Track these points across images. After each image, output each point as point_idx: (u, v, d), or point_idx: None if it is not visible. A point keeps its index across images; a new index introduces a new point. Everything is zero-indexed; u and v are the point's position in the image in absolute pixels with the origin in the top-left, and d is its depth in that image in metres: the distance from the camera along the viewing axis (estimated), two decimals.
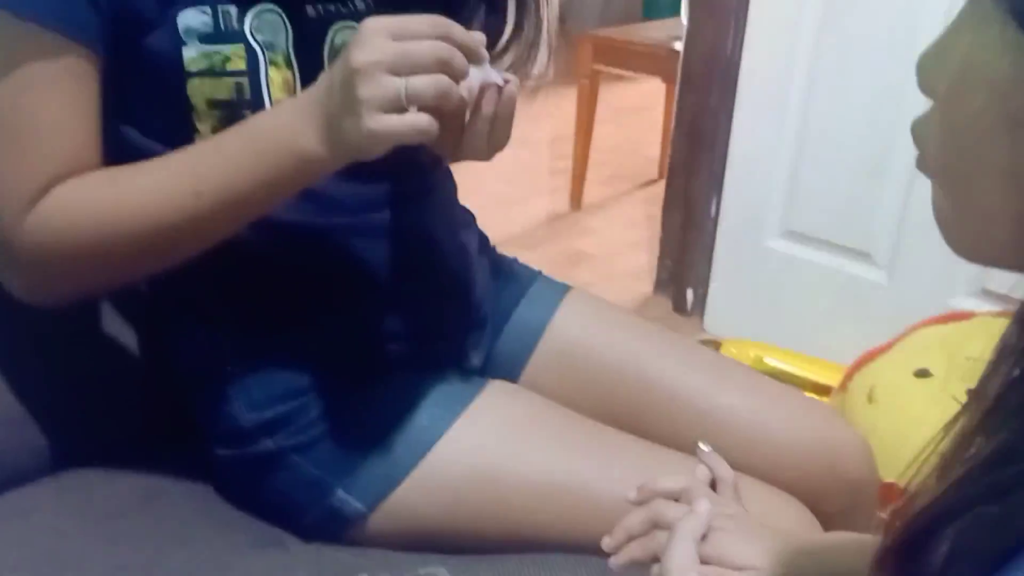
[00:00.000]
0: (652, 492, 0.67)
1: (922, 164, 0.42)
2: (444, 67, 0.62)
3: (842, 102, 1.73)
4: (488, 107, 0.65)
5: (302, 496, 0.79)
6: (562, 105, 3.10)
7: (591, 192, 2.75)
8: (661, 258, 2.16)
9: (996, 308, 1.57)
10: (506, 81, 0.66)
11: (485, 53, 0.65)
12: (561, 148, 2.93)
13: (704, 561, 0.58)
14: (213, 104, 0.72)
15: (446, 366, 0.85)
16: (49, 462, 0.80)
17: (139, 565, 0.72)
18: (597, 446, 0.81)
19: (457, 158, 0.69)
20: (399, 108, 0.61)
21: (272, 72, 0.73)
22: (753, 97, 1.85)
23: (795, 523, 0.81)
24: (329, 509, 0.79)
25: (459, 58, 0.63)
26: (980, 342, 1.40)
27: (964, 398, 1.23)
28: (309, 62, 0.74)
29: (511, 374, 0.93)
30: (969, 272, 1.64)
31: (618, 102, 3.43)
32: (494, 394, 0.84)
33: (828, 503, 0.86)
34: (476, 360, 0.90)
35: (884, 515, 1.22)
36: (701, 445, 0.71)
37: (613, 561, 0.64)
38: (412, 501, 0.78)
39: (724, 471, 0.68)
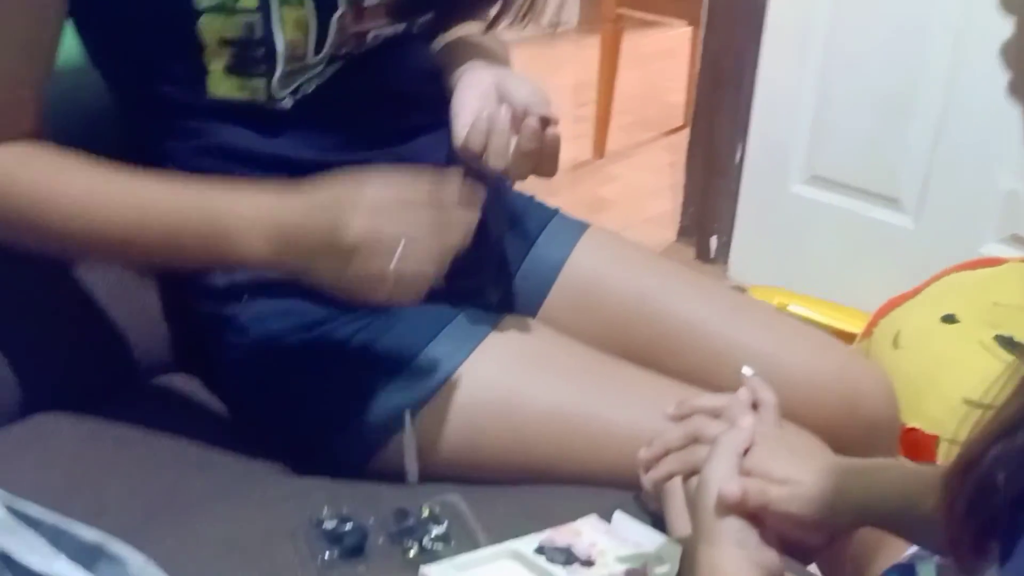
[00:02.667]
0: (692, 408, 0.66)
1: (1013, 88, 0.40)
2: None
3: (868, 42, 1.68)
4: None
5: (317, 426, 0.80)
6: (585, 51, 3.04)
7: (614, 139, 2.71)
8: (684, 205, 2.13)
9: None
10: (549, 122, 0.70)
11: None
12: (584, 95, 2.88)
13: (744, 474, 0.58)
14: (224, 42, 0.71)
15: (462, 302, 0.85)
16: (67, 391, 0.81)
17: (157, 490, 0.73)
18: (614, 380, 0.81)
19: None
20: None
21: (285, 11, 0.71)
22: (779, 38, 1.80)
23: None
24: (347, 438, 0.79)
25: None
26: (1009, 288, 1.38)
27: (991, 344, 1.21)
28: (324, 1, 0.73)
29: (529, 311, 0.92)
30: (998, 217, 1.61)
31: (642, 48, 3.36)
32: (510, 328, 0.83)
33: (847, 442, 0.84)
34: (493, 296, 0.90)
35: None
36: (745, 369, 0.69)
37: (649, 476, 0.64)
38: (426, 432, 0.78)
39: (767, 395, 0.66)
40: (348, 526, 0.67)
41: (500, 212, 0.91)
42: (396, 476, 0.78)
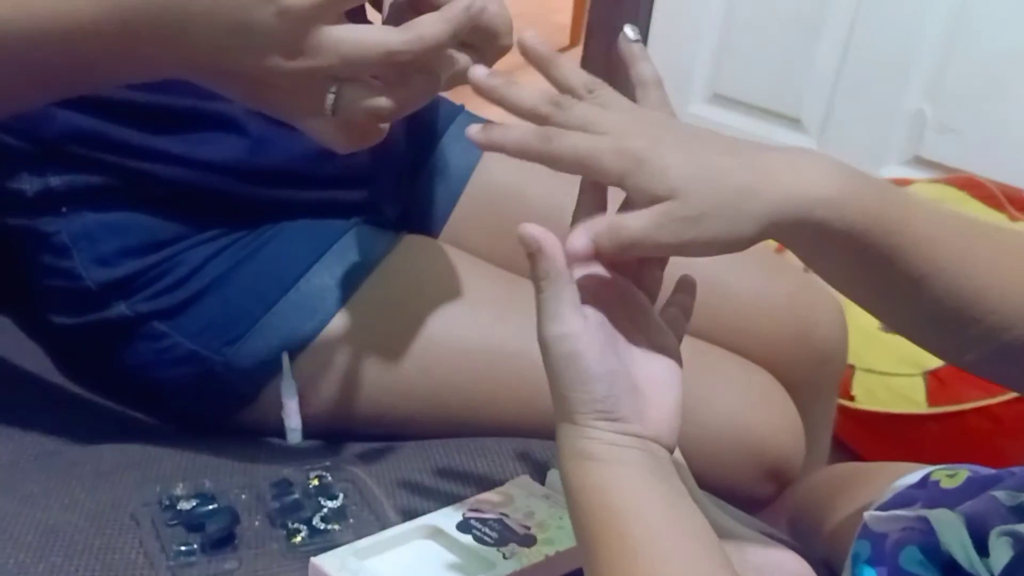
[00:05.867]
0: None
1: None
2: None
3: None
4: None
5: (170, 373, 0.63)
6: None
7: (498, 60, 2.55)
8: None
9: (929, 175, 1.51)
10: None
11: None
12: None
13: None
14: None
15: (351, 217, 0.68)
16: None
17: None
18: (531, 307, 0.67)
19: None
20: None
21: None
22: None
23: (764, 394, 0.70)
24: (206, 389, 0.63)
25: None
26: None
27: None
28: None
29: (431, 228, 0.78)
30: (903, 139, 1.58)
31: None
32: (409, 251, 0.69)
33: (797, 373, 0.75)
34: (389, 211, 0.74)
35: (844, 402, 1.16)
36: (627, 29, 0.52)
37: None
38: (313, 378, 0.63)
39: (647, 68, 0.50)
40: (211, 506, 0.51)
41: None
42: (271, 436, 0.63)
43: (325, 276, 0.65)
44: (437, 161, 0.78)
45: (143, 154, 0.61)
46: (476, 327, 0.65)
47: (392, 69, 0.47)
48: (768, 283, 0.76)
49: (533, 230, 0.41)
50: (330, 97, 0.46)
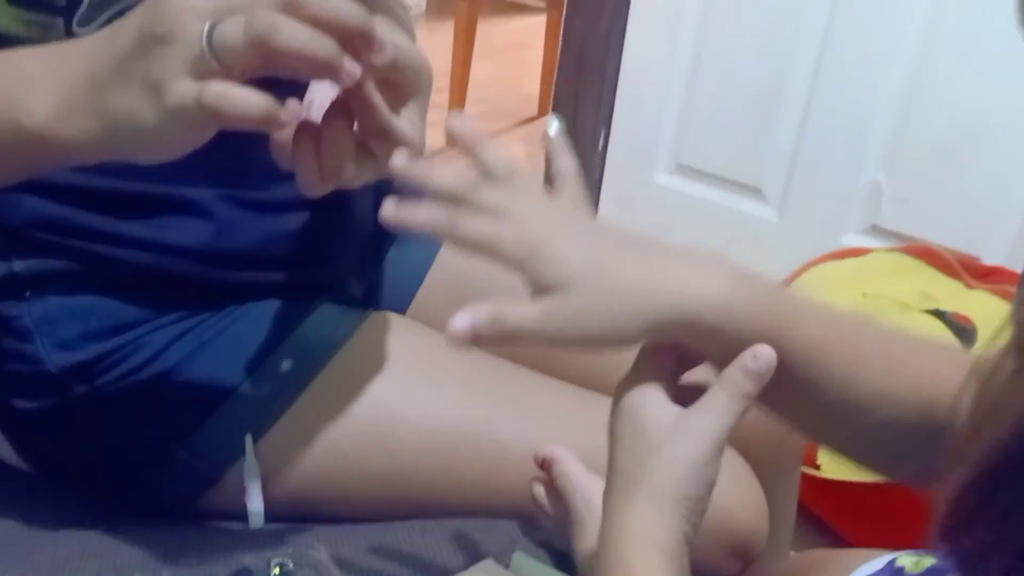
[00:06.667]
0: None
1: None
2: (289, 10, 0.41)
3: (737, 30, 1.65)
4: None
5: (132, 458, 0.62)
6: (437, 38, 2.90)
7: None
8: None
9: (887, 244, 1.54)
10: None
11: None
12: (436, 82, 2.75)
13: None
14: None
15: (317, 296, 0.69)
16: None
17: None
18: (505, 388, 0.68)
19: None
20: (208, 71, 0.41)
21: None
22: (646, 23, 1.74)
23: (729, 469, 0.70)
24: (169, 474, 0.62)
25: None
26: (876, 278, 1.34)
27: None
28: None
29: (398, 305, 0.78)
30: (860, 208, 1.62)
31: (495, 40, 3.27)
32: (375, 328, 0.69)
33: (758, 450, 0.75)
34: (355, 290, 0.75)
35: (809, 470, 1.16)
36: (551, 125, 0.52)
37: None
38: (277, 461, 0.63)
39: (567, 161, 0.50)
40: None
41: (362, 189, 0.76)
42: (233, 520, 0.62)
43: (289, 358, 0.64)
44: (402, 237, 0.79)
45: (107, 239, 0.61)
46: (442, 406, 0.65)
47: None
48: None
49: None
50: (205, 28, 0.40)
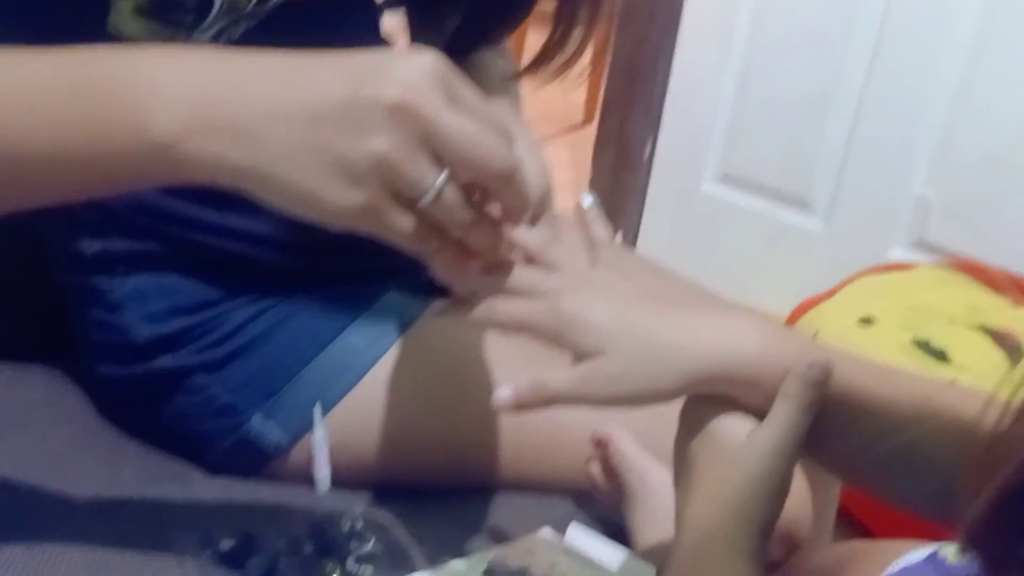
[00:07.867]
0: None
1: None
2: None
3: (788, 38, 1.66)
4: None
5: (209, 424, 0.67)
6: None
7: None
8: None
9: (933, 259, 1.54)
10: None
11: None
12: None
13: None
14: None
15: (387, 282, 0.73)
16: None
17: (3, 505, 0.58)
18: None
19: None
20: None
21: None
22: (696, 32, 1.76)
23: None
24: (243, 439, 0.66)
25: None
26: (923, 292, 1.34)
27: (908, 346, 1.15)
28: None
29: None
30: (907, 223, 1.62)
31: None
32: (442, 312, 0.72)
33: None
34: (422, 277, 0.78)
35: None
36: (584, 198, 0.55)
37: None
38: (343, 431, 0.66)
39: (602, 231, 0.54)
40: (251, 547, 0.54)
41: None
42: (300, 484, 0.66)
43: (359, 337, 0.68)
44: None
45: (199, 226, 0.65)
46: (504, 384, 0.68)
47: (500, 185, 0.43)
48: None
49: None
50: (440, 177, 0.41)
